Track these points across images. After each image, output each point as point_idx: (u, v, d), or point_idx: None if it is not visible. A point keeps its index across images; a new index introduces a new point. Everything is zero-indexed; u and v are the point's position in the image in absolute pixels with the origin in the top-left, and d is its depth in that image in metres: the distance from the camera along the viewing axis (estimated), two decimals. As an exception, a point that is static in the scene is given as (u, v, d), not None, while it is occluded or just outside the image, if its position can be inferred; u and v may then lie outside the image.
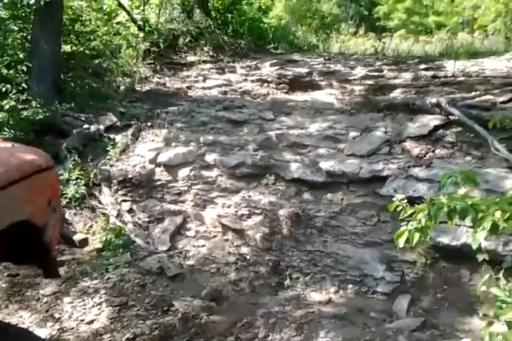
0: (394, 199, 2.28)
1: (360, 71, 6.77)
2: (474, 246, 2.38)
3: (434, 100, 4.81)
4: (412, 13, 19.07)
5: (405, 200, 2.32)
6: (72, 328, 3.31)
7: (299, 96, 6.23)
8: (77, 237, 4.54)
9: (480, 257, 2.92)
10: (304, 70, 6.75)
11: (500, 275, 2.57)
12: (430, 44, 10.03)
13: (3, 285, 3.77)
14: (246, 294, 3.70)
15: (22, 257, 2.15)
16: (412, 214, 2.31)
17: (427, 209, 2.20)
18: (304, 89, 6.43)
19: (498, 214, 1.97)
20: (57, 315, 3.45)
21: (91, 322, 3.37)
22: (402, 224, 2.29)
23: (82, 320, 3.38)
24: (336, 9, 16.91)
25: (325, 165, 4.37)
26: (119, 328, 3.28)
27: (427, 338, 2.95)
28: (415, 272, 3.60)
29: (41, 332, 3.21)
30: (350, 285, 3.69)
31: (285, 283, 3.79)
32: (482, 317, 2.69)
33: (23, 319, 3.41)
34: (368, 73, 6.64)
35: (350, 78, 6.54)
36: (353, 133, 4.78)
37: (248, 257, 4.15)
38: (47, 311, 3.49)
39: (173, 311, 3.44)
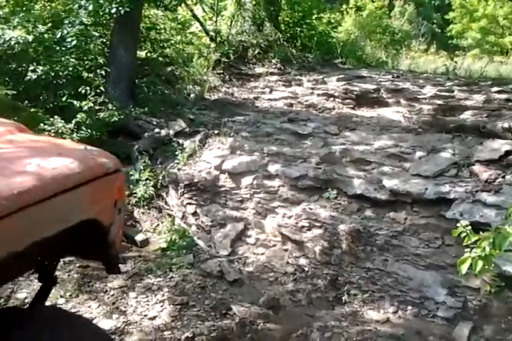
0: (458, 224, 2.29)
1: (429, 90, 6.70)
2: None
3: (506, 124, 4.72)
4: (488, 33, 18.51)
5: (469, 227, 2.32)
6: (136, 322, 3.48)
7: (364, 112, 6.24)
8: (138, 237, 4.76)
9: (548, 289, 2.86)
10: (371, 86, 6.75)
11: None
12: (506, 65, 9.74)
13: (75, 276, 4.01)
14: (303, 305, 3.76)
15: (88, 253, 2.28)
16: (476, 241, 2.30)
17: (491, 237, 2.19)
18: (370, 105, 6.43)
19: None
20: (122, 308, 3.64)
21: (153, 318, 3.54)
22: (466, 250, 2.29)
23: (146, 315, 3.55)
24: (407, 26, 16.67)
25: (389, 183, 4.36)
26: (180, 326, 3.42)
27: (488, 368, 2.90)
28: (478, 299, 3.52)
29: (107, 323, 3.40)
30: (409, 307, 3.66)
31: (343, 298, 3.81)
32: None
33: (91, 309, 3.61)
34: (438, 93, 6.56)
35: (418, 97, 6.49)
36: (419, 153, 4.75)
37: (306, 269, 4.20)
38: (113, 304, 3.69)
39: (231, 315, 3.55)
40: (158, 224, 5.01)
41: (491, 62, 10.75)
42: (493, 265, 3.32)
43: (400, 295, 3.74)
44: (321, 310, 3.67)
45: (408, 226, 4.09)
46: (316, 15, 9.64)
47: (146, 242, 4.88)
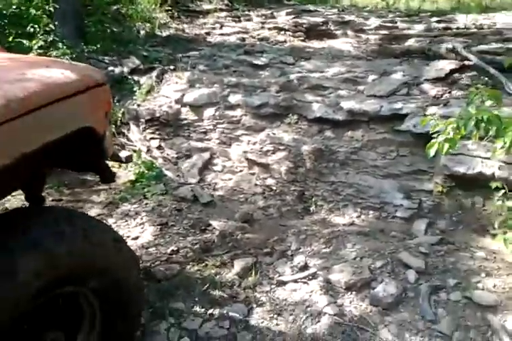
0: (427, 112, 2.56)
1: (374, 22, 6.92)
2: (493, 159, 2.67)
3: (449, 45, 5.03)
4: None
5: (436, 116, 2.60)
6: (120, 243, 3.63)
7: (315, 44, 6.38)
8: (122, 154, 4.85)
9: (493, 185, 3.23)
10: (319, 19, 6.89)
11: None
12: (441, 3, 10.04)
13: (49, 208, 4.06)
14: (275, 218, 4.03)
15: (84, 163, 2.38)
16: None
17: (455, 122, 2.49)
18: (320, 37, 6.58)
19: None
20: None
21: (136, 238, 3.70)
22: (433, 136, 2.58)
23: (128, 236, 3.69)
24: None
25: (346, 104, 4.60)
26: (163, 243, 3.61)
27: (445, 250, 3.29)
28: (432, 200, 3.91)
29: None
30: (371, 211, 4.01)
31: (310, 209, 4.12)
32: (496, 228, 3.00)
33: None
34: (382, 24, 6.81)
35: (364, 28, 6.71)
36: (371, 77, 4.99)
37: (274, 188, 4.45)
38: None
39: (210, 230, 3.77)
40: (123, 160, 5.06)
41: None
42: (445, 165, 3.71)
43: (361, 202, 4.07)
44: (292, 220, 3.96)
45: (366, 142, 4.38)
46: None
47: (130, 158, 4.96)
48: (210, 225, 3.82)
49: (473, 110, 2.33)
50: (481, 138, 2.62)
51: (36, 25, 5.45)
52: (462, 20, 6.58)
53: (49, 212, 2.16)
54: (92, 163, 2.34)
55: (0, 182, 1.99)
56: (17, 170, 2.11)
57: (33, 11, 5.56)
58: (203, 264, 3.31)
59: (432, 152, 2.49)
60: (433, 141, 2.53)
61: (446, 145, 2.48)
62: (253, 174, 4.70)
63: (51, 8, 5.67)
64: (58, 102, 1.85)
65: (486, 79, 4.52)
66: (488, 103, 2.38)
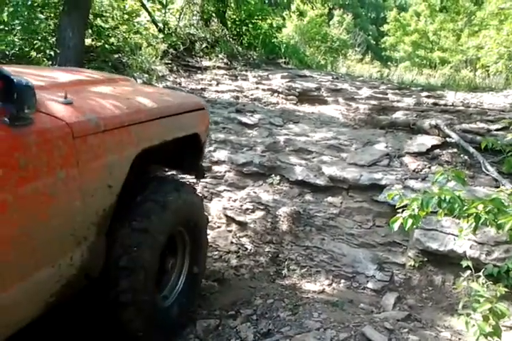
0: (393, 188, 2.61)
1: (365, 91, 7.20)
2: (459, 240, 2.70)
3: (433, 122, 5.20)
4: (418, 47, 19.79)
5: (402, 190, 2.64)
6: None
7: (306, 108, 6.60)
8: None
9: (464, 263, 3.24)
10: (312, 85, 7.15)
11: (481, 273, 2.87)
12: (433, 78, 10.49)
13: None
14: (246, 279, 3.97)
15: (185, 165, 3.23)
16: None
17: (420, 199, 2.52)
18: (311, 102, 6.82)
19: (480, 207, 2.30)
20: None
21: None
22: (398, 211, 2.61)
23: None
24: (345, 35, 17.44)
25: (328, 170, 4.69)
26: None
27: (411, 328, 3.24)
28: (404, 273, 3.91)
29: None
30: (342, 280, 3.98)
31: (283, 272, 4.07)
32: (461, 309, 2.97)
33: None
34: (373, 94, 7.08)
35: (356, 97, 6.97)
36: (355, 145, 5.13)
37: (249, 248, 4.42)
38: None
39: (178, 287, 3.69)
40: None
41: (421, 75, 11.58)
42: (417, 241, 3.74)
43: (334, 270, 4.05)
44: (262, 282, 3.90)
45: (344, 209, 4.42)
46: (260, 16, 9.93)
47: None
48: (178, 281, 3.75)
49: (435, 189, 2.39)
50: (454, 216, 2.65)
51: (36, 68, 5.60)
52: (451, 97, 6.87)
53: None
54: (192, 163, 3.22)
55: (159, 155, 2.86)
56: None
57: (33, 54, 5.73)
58: (165, 323, 3.20)
59: (395, 226, 2.51)
60: (398, 215, 2.56)
61: (410, 221, 2.51)
62: (230, 231, 4.68)
63: (52, 53, 5.86)
64: (182, 114, 2.88)
65: (466, 157, 4.66)
66: (452, 183, 2.44)
